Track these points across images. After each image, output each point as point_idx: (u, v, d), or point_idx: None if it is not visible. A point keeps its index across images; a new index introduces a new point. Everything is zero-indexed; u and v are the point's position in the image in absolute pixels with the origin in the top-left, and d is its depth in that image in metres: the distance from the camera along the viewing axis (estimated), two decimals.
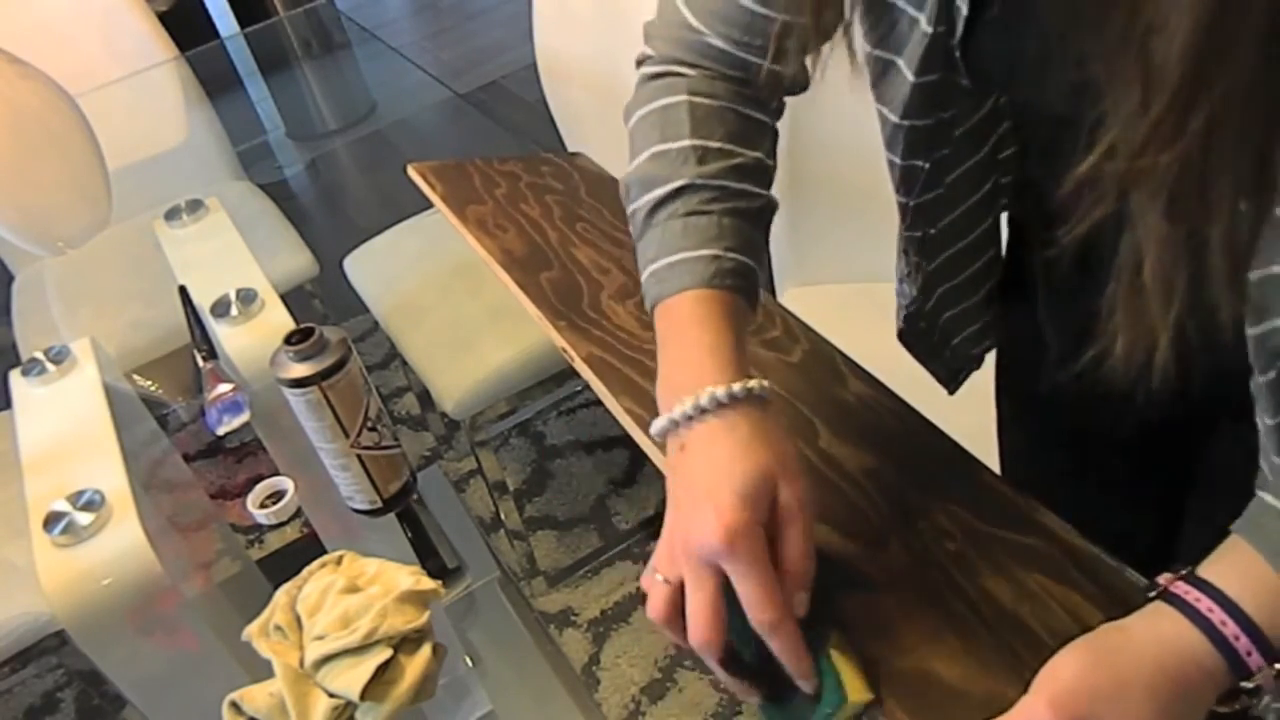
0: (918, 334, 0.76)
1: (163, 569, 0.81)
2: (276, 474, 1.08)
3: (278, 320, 1.03)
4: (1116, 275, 0.43)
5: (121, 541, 0.82)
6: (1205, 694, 0.46)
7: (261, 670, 0.72)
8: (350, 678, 0.68)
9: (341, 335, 0.80)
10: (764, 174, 0.64)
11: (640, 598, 1.70)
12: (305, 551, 0.81)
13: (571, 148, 1.74)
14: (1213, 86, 0.35)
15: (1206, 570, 0.48)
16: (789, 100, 0.68)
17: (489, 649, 0.89)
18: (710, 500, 0.52)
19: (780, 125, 0.67)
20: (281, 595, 0.75)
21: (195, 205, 1.29)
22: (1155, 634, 0.47)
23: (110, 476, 0.87)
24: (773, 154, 0.66)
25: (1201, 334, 0.43)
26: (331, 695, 0.69)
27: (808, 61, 0.57)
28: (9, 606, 1.22)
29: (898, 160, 0.62)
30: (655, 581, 0.54)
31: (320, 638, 0.70)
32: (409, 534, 0.90)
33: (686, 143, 0.61)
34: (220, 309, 1.04)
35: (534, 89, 1.75)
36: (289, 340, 0.78)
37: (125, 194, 1.21)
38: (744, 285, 0.59)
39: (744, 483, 0.52)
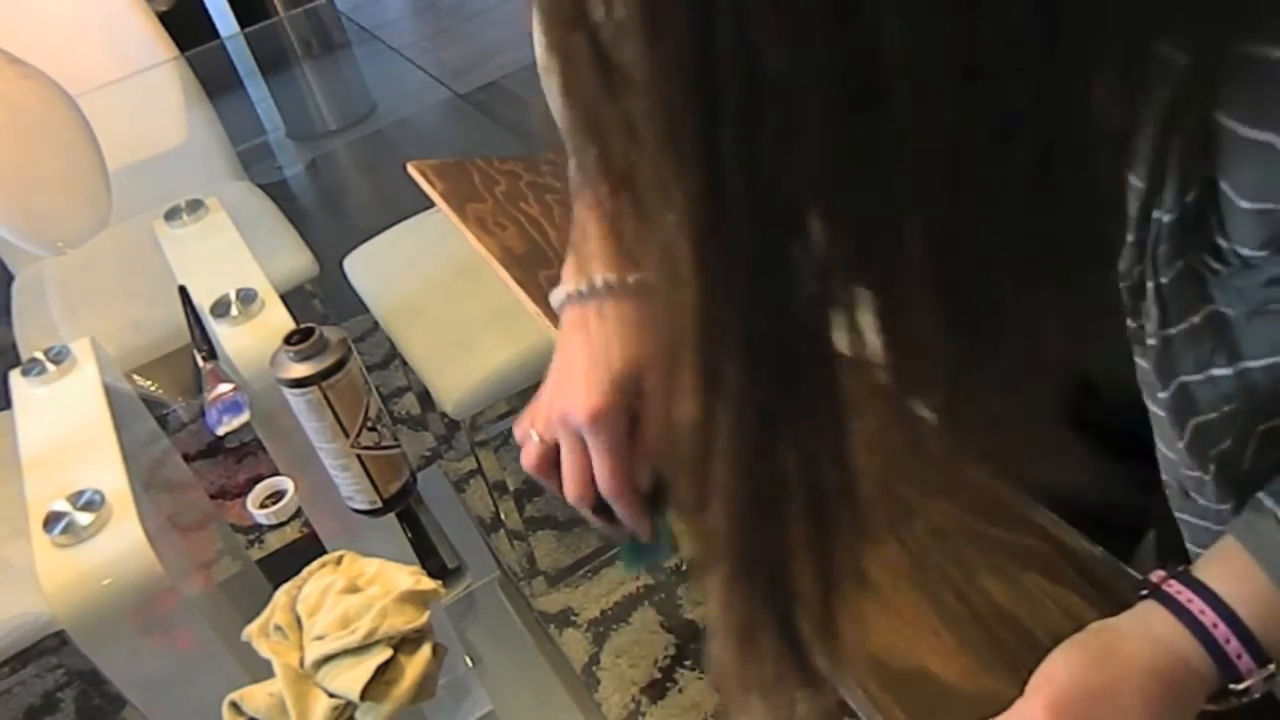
0: None
1: (163, 569, 0.81)
2: (276, 474, 1.08)
3: (278, 320, 1.03)
4: None
5: (121, 541, 0.82)
6: (1196, 695, 0.46)
7: (261, 670, 0.72)
8: (350, 678, 0.68)
9: (341, 335, 0.80)
10: None
11: (640, 598, 1.71)
12: (305, 551, 0.81)
13: None
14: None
15: (1201, 570, 0.48)
16: None
17: (489, 649, 0.89)
18: (585, 379, 0.57)
19: None
20: (281, 595, 0.75)
21: (195, 205, 1.29)
22: (1147, 635, 0.47)
23: (110, 476, 0.87)
24: None
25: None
26: (331, 695, 0.69)
27: None
28: (9, 606, 1.22)
29: None
30: (530, 438, 0.61)
31: (320, 638, 0.70)
32: (409, 534, 0.90)
33: None
34: (220, 309, 1.04)
35: (534, 89, 1.75)
36: (289, 340, 0.78)
37: (125, 194, 1.21)
38: None
39: (618, 369, 0.57)
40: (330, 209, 2.92)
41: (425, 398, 1.96)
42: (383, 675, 0.69)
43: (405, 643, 0.71)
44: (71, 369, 1.02)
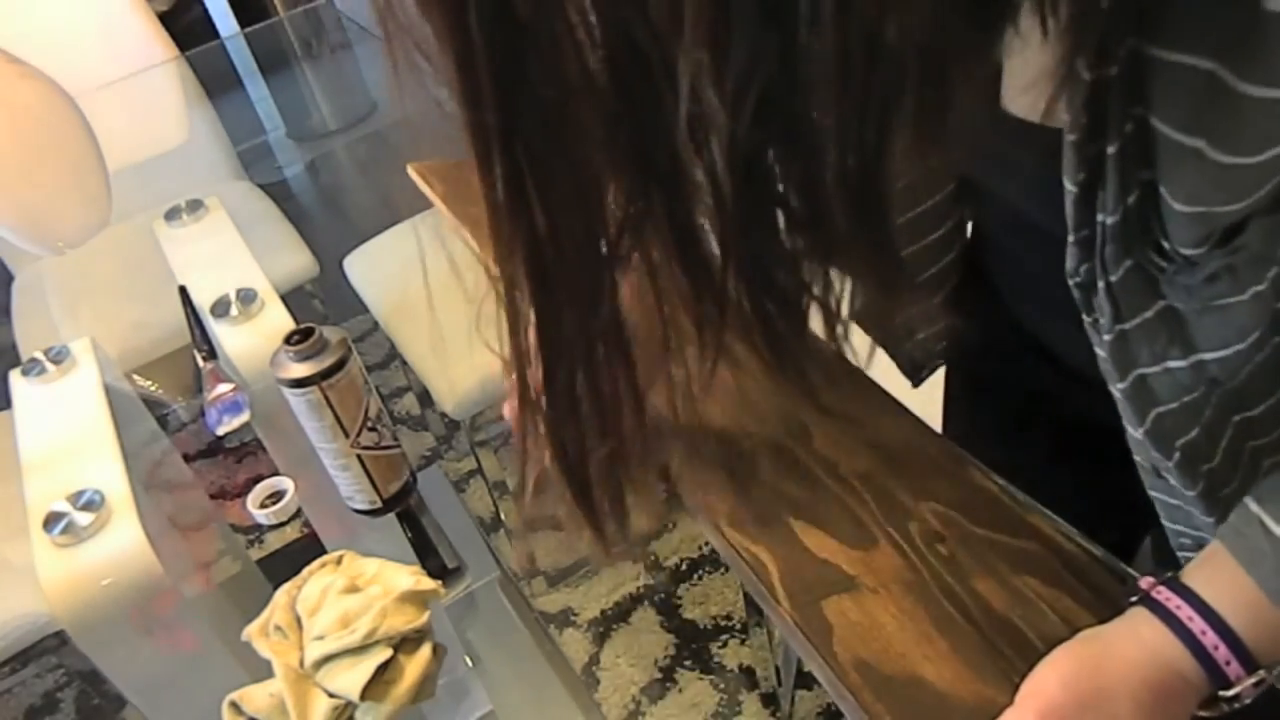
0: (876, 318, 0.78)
1: (163, 569, 0.81)
2: (276, 474, 1.08)
3: (278, 320, 1.03)
4: None
5: (121, 541, 0.82)
6: (1187, 702, 0.47)
7: (261, 670, 0.72)
8: (350, 678, 0.68)
9: (341, 335, 0.80)
10: None
11: (640, 598, 1.70)
12: (305, 551, 0.81)
13: None
14: None
15: (1189, 576, 0.48)
16: None
17: (489, 649, 0.89)
18: None
19: None
20: (281, 595, 0.75)
21: (195, 205, 1.29)
22: (1137, 643, 0.47)
23: (110, 476, 0.87)
24: None
25: None
26: (331, 695, 0.69)
27: None
28: (9, 606, 1.22)
29: None
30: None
31: (320, 638, 0.70)
32: (409, 534, 0.90)
33: None
34: (220, 309, 1.04)
35: None
36: (289, 340, 0.78)
37: (125, 194, 1.21)
38: None
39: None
40: (330, 209, 2.92)
41: (425, 398, 1.96)
42: (383, 675, 0.69)
43: (405, 643, 0.71)
44: (71, 369, 1.02)
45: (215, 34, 2.87)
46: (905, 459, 0.68)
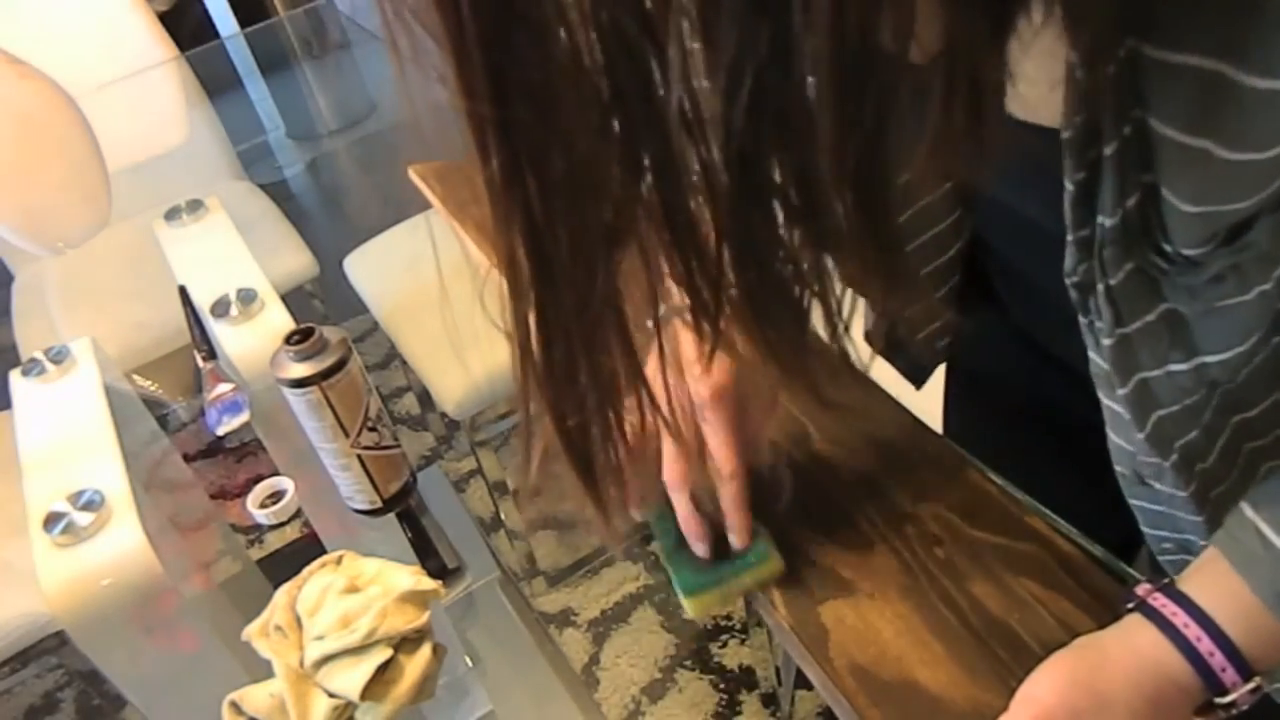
0: (882, 332, 0.78)
1: (163, 569, 0.81)
2: (276, 474, 1.08)
3: (278, 320, 1.03)
4: None
5: (121, 541, 0.82)
6: (1182, 708, 0.46)
7: (261, 670, 0.72)
8: (350, 678, 0.68)
9: (341, 335, 0.80)
10: None
11: (640, 598, 1.70)
12: (305, 551, 0.81)
13: None
14: None
15: (1185, 583, 0.48)
16: None
17: (489, 649, 0.89)
18: (701, 365, 0.58)
19: None
20: (281, 595, 0.75)
21: (195, 205, 1.29)
22: (1132, 650, 0.47)
23: (110, 476, 0.87)
24: None
25: None
26: (331, 695, 0.69)
27: None
28: (9, 606, 1.23)
29: None
30: None
31: (320, 638, 0.70)
32: (409, 534, 0.90)
33: None
34: (220, 309, 1.04)
35: None
36: (289, 340, 0.78)
37: (125, 194, 1.21)
38: None
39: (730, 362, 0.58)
40: (330, 209, 2.92)
41: (425, 398, 1.96)
42: (383, 675, 0.69)
43: (405, 643, 0.71)
44: (71, 369, 1.02)
45: (215, 34, 2.87)
46: (904, 460, 0.68)
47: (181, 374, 1.51)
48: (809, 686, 1.51)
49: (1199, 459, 0.50)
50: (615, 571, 1.73)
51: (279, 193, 2.21)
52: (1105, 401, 0.51)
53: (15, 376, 1.03)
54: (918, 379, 0.82)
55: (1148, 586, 0.49)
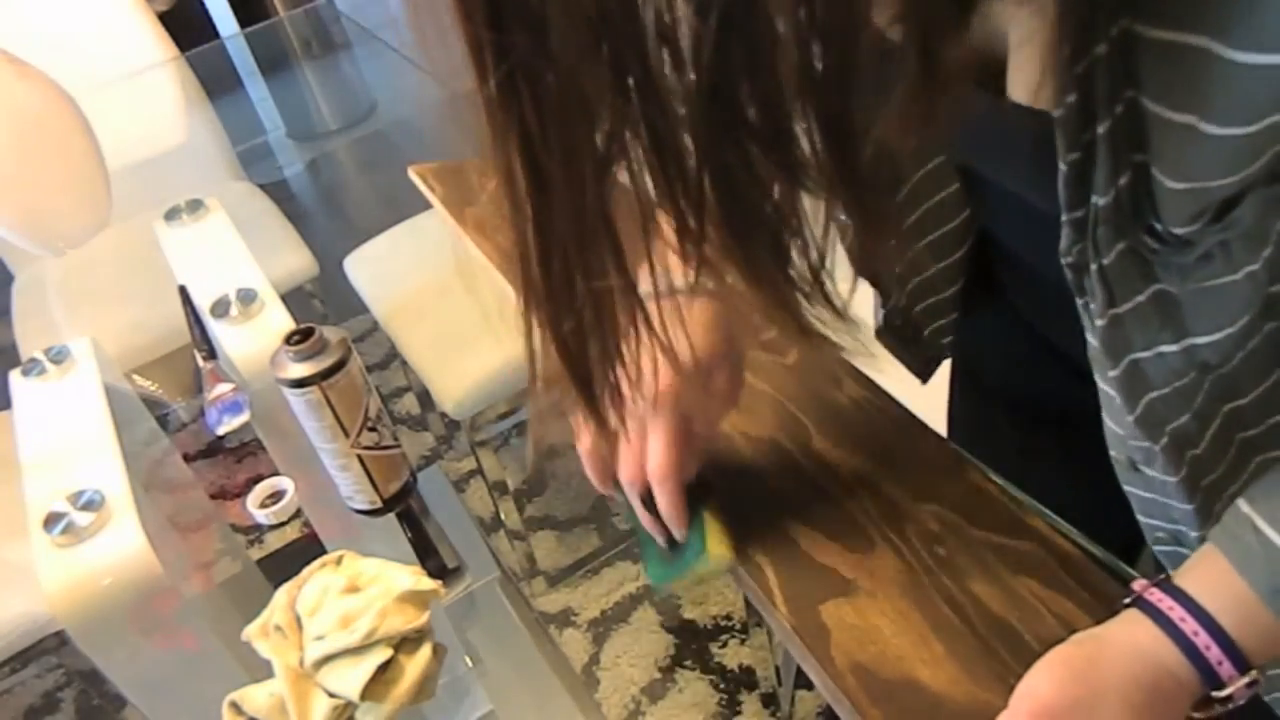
0: (893, 329, 0.78)
1: (163, 569, 0.81)
2: (276, 474, 1.08)
3: (278, 320, 1.03)
4: None
5: (121, 542, 0.82)
6: (1179, 703, 0.47)
7: (261, 670, 0.72)
8: (350, 678, 0.68)
9: (341, 335, 0.80)
10: None
11: (640, 598, 1.70)
12: (305, 551, 0.81)
13: None
14: None
15: (1182, 578, 0.48)
16: None
17: (489, 649, 0.89)
18: (650, 365, 0.59)
19: None
20: (281, 595, 0.75)
21: (195, 205, 1.29)
22: (1130, 644, 0.47)
23: (110, 476, 0.87)
24: None
25: None
26: (331, 695, 0.69)
27: None
28: (9, 606, 1.23)
29: None
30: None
31: (320, 638, 0.70)
32: (409, 534, 0.90)
33: None
34: (220, 309, 1.04)
35: None
36: (289, 340, 0.78)
37: (125, 194, 1.21)
38: None
39: (684, 361, 0.57)
40: (330, 209, 2.92)
41: (425, 398, 1.96)
42: (383, 675, 0.69)
43: (405, 643, 0.71)
44: (71, 369, 1.02)
45: (215, 34, 2.87)
46: (904, 460, 0.68)
47: (181, 374, 1.51)
48: (809, 686, 1.52)
49: (1190, 445, 0.50)
50: (615, 571, 1.73)
51: (279, 193, 2.21)
52: (1100, 385, 0.51)
53: (15, 376, 1.03)
54: (924, 374, 0.82)
55: (1144, 582, 0.49)
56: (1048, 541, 0.61)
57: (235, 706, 0.70)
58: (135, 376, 1.45)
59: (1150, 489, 0.54)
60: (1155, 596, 0.48)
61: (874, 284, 0.74)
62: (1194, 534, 0.54)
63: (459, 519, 1.09)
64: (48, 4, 1.90)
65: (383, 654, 0.69)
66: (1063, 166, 0.43)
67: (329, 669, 0.69)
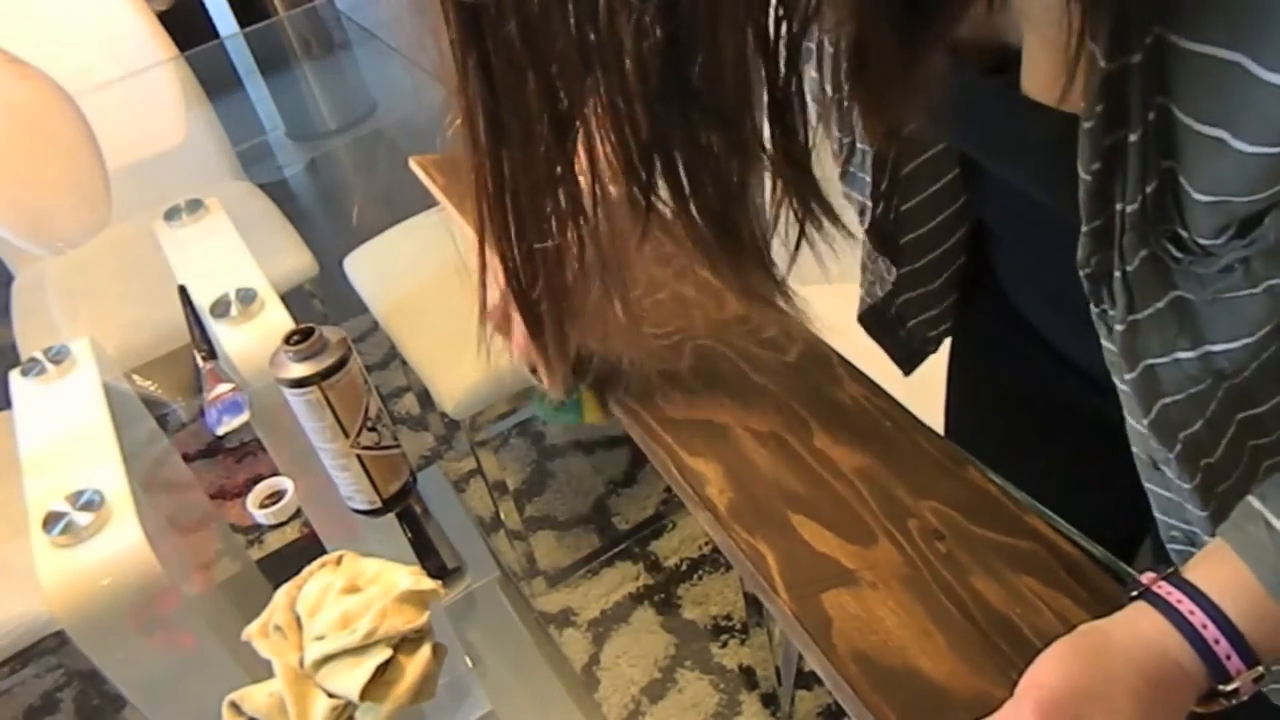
0: (875, 312, 0.78)
1: (163, 569, 0.81)
2: (276, 474, 1.08)
3: (278, 320, 1.03)
4: None
5: (121, 541, 0.82)
6: (1186, 695, 0.46)
7: (261, 670, 0.72)
8: (350, 678, 0.68)
9: (341, 335, 0.80)
10: None
11: (640, 598, 1.70)
12: (305, 551, 0.81)
13: None
14: None
15: (1190, 571, 0.48)
16: None
17: (489, 649, 0.89)
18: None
19: None
20: (281, 595, 0.75)
21: (195, 205, 1.29)
22: (1137, 635, 0.47)
23: (110, 476, 0.87)
24: None
25: None
26: (331, 695, 0.69)
27: None
28: (9, 606, 1.23)
29: (865, 147, 0.65)
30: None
31: (320, 638, 0.70)
32: (409, 534, 0.90)
33: None
34: (220, 309, 1.04)
35: None
36: (289, 340, 0.78)
37: (125, 194, 1.21)
38: None
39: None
40: (330, 209, 2.92)
41: (425, 398, 1.96)
42: (383, 675, 0.69)
43: (405, 643, 0.71)
44: (71, 369, 1.02)
45: (215, 34, 2.87)
46: (904, 457, 0.68)
47: (181, 374, 1.51)
48: (809, 687, 1.52)
49: (1204, 454, 0.50)
50: (615, 571, 1.73)
51: (279, 193, 2.20)
52: (1119, 387, 0.51)
53: (15, 376, 1.03)
54: (907, 365, 0.82)
55: (1152, 575, 0.49)
56: (1047, 540, 0.61)
57: (235, 706, 0.70)
58: (135, 376, 1.45)
59: (1169, 489, 0.54)
60: (1163, 589, 0.47)
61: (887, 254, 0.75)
62: (1207, 537, 0.54)
63: (459, 519, 1.08)
64: (48, 4, 1.90)
65: (382, 654, 0.69)
66: (1085, 176, 0.43)
67: (329, 669, 0.69)
